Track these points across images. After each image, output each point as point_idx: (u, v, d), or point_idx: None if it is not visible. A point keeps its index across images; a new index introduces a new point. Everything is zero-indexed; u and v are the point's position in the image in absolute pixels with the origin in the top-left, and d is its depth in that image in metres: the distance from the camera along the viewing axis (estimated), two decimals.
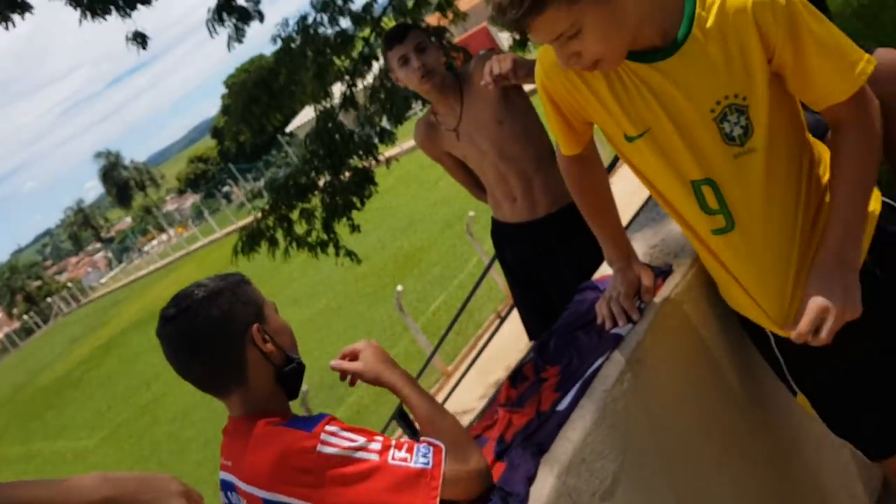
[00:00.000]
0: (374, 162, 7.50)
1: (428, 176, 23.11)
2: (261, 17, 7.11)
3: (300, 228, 7.33)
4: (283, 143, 43.01)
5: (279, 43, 7.60)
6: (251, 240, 7.37)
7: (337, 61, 7.71)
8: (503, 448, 1.48)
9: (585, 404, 1.48)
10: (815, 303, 1.43)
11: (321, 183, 7.45)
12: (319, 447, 1.39)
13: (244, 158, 50.86)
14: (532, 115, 2.94)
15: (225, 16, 6.87)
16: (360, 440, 1.41)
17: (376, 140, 7.58)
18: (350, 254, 7.39)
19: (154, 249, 54.58)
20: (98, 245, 79.47)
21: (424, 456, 1.41)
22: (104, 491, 1.22)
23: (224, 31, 7.02)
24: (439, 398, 11.20)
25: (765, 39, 1.41)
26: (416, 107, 8.25)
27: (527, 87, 2.82)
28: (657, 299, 1.68)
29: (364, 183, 7.26)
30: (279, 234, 7.38)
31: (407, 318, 11.59)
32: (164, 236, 57.95)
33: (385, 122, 7.65)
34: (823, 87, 1.45)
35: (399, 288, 11.45)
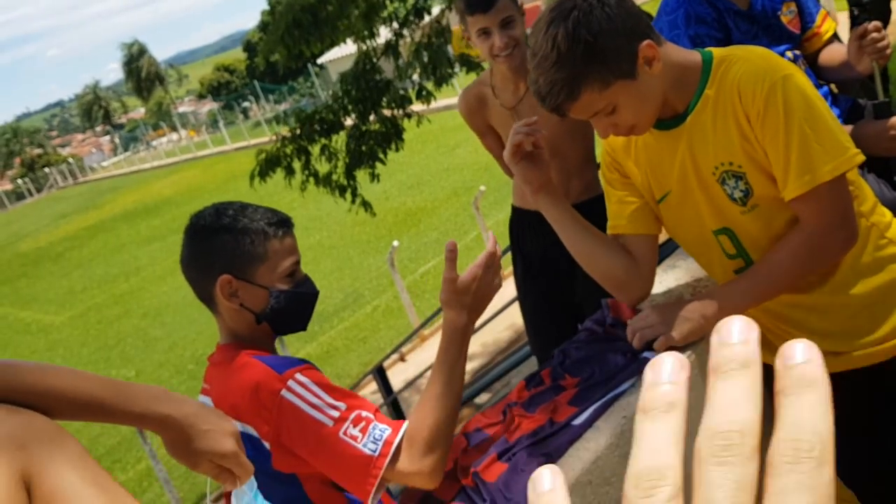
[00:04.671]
0: (404, 116, 7.43)
1: (447, 140, 22.97)
2: None
3: (319, 166, 7.27)
4: (312, 73, 42.63)
5: None
6: (269, 164, 7.32)
7: (389, 5, 7.61)
8: (505, 448, 1.46)
9: (602, 426, 1.46)
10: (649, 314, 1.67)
11: (347, 124, 7.38)
12: (283, 392, 1.42)
13: (270, 79, 50.46)
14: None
15: None
16: (324, 400, 1.41)
17: (412, 94, 7.49)
18: (366, 204, 7.34)
19: (162, 146, 54.16)
20: (107, 128, 78.89)
21: (375, 442, 1.39)
22: (163, 407, 1.15)
23: None
24: (411, 359, 11.26)
25: (748, 114, 1.50)
26: (459, 71, 8.14)
27: None
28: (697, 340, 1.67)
29: (392, 135, 7.19)
30: (297, 165, 7.34)
31: (395, 274, 11.59)
32: (174, 135, 57.55)
33: (424, 80, 7.57)
34: (780, 178, 1.50)
35: (395, 243, 11.43)
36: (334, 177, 7.19)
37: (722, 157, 1.54)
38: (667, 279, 1.84)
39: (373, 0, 7.44)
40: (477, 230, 13.24)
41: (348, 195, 7.23)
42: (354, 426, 1.39)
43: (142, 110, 78.37)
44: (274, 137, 7.49)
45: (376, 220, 19.63)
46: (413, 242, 16.36)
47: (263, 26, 54.31)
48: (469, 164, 20.27)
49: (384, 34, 7.76)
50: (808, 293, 1.61)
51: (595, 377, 1.58)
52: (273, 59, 8.77)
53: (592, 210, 2.79)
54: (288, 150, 7.36)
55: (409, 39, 7.72)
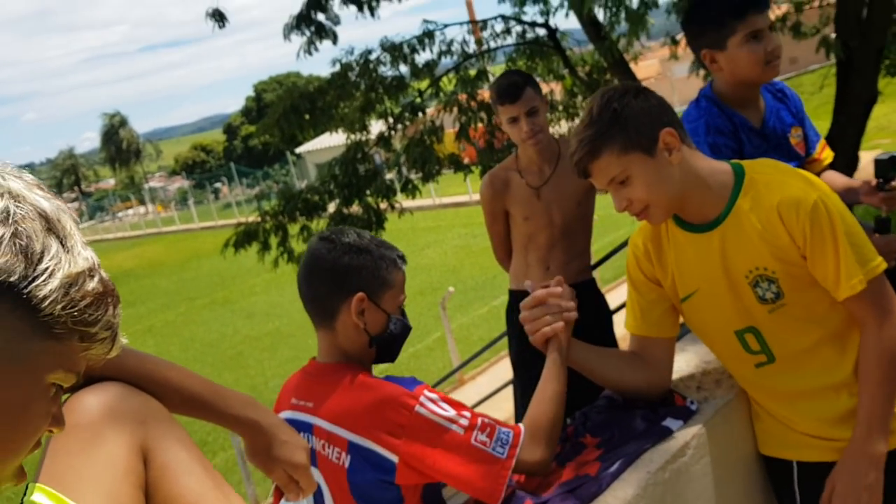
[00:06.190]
0: (388, 207, 7.59)
1: (418, 240, 23.22)
2: (334, 39, 7.27)
3: (296, 245, 7.35)
4: (289, 160, 43.20)
5: (338, 66, 7.77)
6: (246, 237, 7.38)
7: (386, 102, 7.87)
8: (540, 501, 1.54)
9: (628, 478, 1.57)
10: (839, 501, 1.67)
11: (330, 208, 7.52)
12: (417, 407, 1.54)
13: (246, 162, 50.97)
14: (593, 206, 3.11)
15: (303, 26, 7.04)
16: (452, 412, 1.55)
17: (398, 187, 7.68)
18: None
19: (128, 218, 53.82)
20: (75, 195, 78.40)
21: (502, 445, 1.54)
22: (253, 413, 1.25)
23: (297, 40, 7.19)
24: None
25: (791, 234, 1.65)
26: (445, 172, 8.37)
27: None
28: (712, 405, 1.77)
29: (374, 224, 7.33)
30: (273, 241, 7.41)
31: None
32: (142, 209, 57.34)
33: (412, 175, 7.77)
34: (833, 283, 1.67)
35: None
36: None
37: (757, 263, 1.69)
38: (677, 362, 1.93)
39: (370, 95, 7.70)
40: (441, 331, 13.22)
41: None
42: (482, 432, 1.54)
43: (111, 181, 78.14)
44: (243, 220, 7.62)
45: None
46: None
47: (247, 111, 55.27)
48: (437, 265, 20.47)
49: (377, 126, 7.99)
50: (819, 394, 1.74)
51: (615, 440, 1.65)
52: (258, 143, 8.94)
53: (589, 290, 3.13)
54: (267, 226, 7.46)
55: (401, 134, 7.96)
